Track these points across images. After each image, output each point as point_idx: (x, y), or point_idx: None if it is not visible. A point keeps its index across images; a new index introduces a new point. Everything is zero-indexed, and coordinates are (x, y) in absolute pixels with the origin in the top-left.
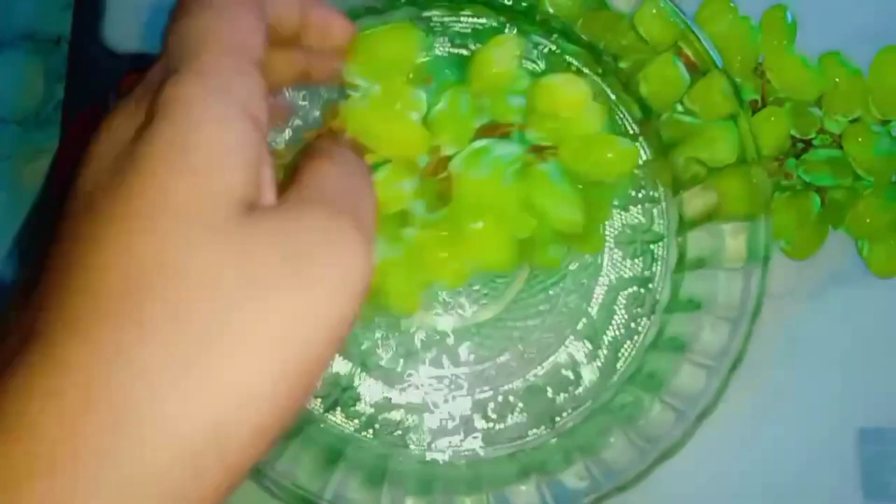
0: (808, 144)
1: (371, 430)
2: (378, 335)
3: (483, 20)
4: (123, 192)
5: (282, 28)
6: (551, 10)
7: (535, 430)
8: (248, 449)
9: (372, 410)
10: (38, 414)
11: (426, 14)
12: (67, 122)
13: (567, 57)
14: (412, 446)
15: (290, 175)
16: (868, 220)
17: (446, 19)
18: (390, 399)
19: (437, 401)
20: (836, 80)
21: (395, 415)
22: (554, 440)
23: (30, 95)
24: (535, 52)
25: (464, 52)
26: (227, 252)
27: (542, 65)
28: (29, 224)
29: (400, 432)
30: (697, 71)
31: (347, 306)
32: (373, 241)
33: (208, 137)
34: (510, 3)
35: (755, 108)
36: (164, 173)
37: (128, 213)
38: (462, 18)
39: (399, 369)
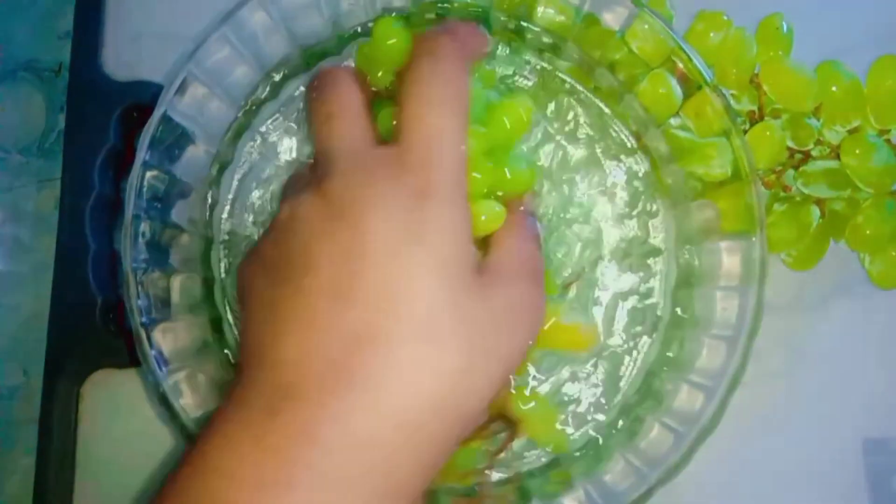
0: (806, 155)
1: None
2: None
3: None
4: (420, 241)
5: None
6: (542, 28)
7: (535, 451)
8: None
9: None
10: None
11: None
12: (69, 152)
13: (559, 73)
14: None
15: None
16: (868, 232)
17: None
18: None
19: None
20: (834, 89)
21: None
22: (555, 462)
23: (32, 125)
24: (527, 69)
25: None
26: (476, 300)
27: (533, 81)
28: (59, 256)
29: None
30: (692, 85)
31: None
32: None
33: (464, 222)
34: (501, 22)
35: (753, 119)
36: (441, 237)
37: (418, 258)
38: None
39: None
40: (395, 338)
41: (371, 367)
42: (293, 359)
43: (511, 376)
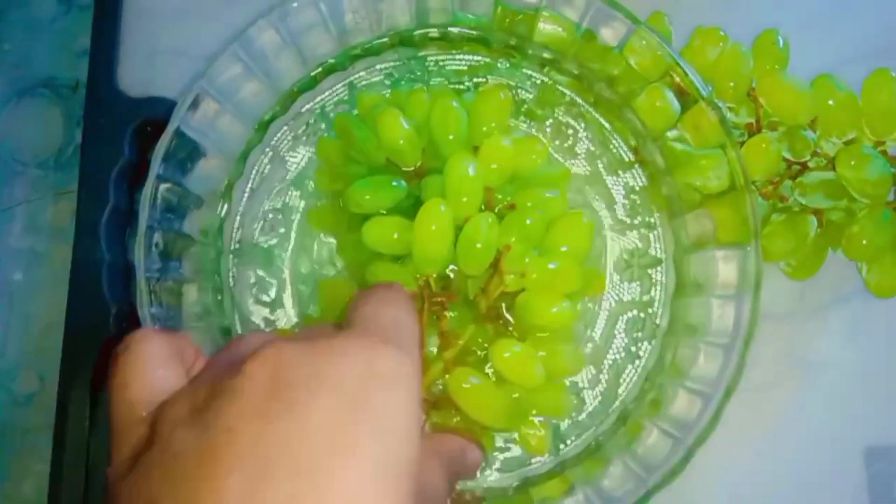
0: (803, 167)
1: None
2: None
3: (477, 57)
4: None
5: None
6: (542, 44)
7: (539, 458)
8: None
9: None
10: None
11: (422, 54)
12: (85, 165)
13: (559, 87)
14: None
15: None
16: (864, 242)
17: (441, 58)
18: None
19: None
20: (830, 102)
21: None
22: (557, 468)
23: (50, 140)
24: (528, 83)
25: (460, 87)
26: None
27: (533, 95)
28: (75, 267)
29: None
30: (689, 98)
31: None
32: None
33: None
34: (502, 39)
35: (751, 132)
36: None
37: None
38: (457, 56)
39: None
40: None
41: None
42: None
43: None
